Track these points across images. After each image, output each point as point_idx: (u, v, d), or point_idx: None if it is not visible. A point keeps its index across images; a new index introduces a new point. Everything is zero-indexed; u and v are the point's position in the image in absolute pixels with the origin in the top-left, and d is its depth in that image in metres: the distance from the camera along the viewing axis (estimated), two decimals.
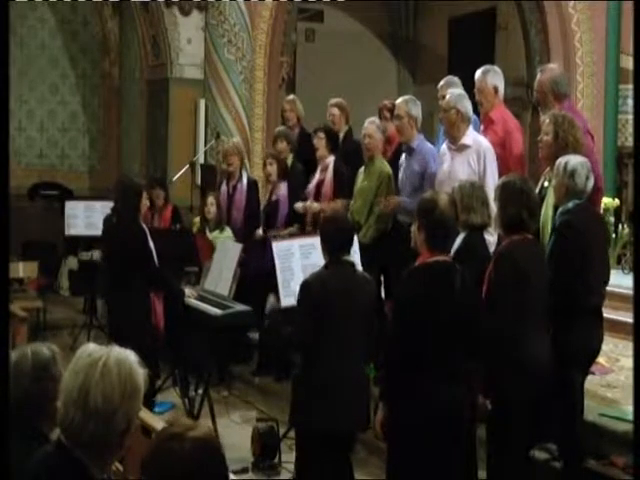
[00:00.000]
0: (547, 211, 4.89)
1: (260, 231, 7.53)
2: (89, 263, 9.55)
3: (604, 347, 4.97)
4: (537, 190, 5.01)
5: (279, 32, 10.14)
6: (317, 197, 7.13)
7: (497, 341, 4.07)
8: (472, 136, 5.74)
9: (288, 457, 5.58)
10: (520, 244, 4.26)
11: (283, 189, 7.45)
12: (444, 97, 6.50)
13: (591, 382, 5.09)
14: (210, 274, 6.31)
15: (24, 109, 12.01)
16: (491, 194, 4.71)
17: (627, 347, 6.17)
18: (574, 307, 4.47)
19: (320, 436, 4.39)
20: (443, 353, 3.85)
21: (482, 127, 6.00)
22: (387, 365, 4.01)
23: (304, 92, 9.82)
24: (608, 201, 8.26)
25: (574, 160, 4.60)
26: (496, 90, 6.01)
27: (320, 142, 7.11)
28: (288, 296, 5.33)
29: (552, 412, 4.55)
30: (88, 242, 9.54)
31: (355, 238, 4.88)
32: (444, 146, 5.92)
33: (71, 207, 8.92)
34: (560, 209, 4.60)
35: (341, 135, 7.55)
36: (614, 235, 8.60)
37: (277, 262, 5.46)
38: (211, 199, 7.60)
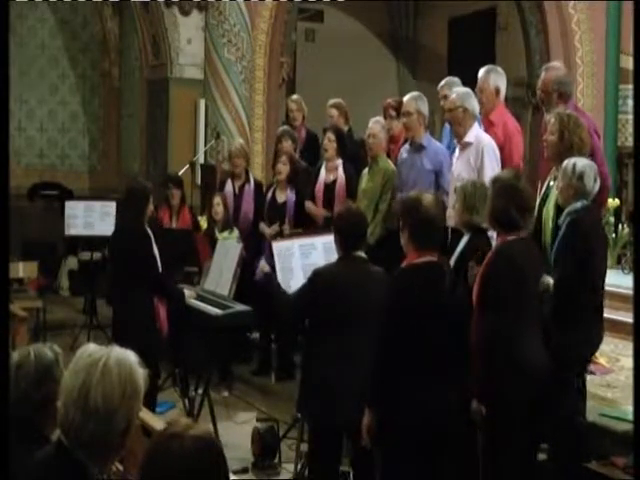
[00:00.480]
0: (549, 210, 4.87)
1: (270, 229, 7.36)
2: (89, 263, 9.57)
3: (604, 347, 4.98)
4: (544, 189, 5.01)
5: (279, 32, 10.14)
6: (326, 198, 7.06)
7: (495, 343, 4.01)
8: (474, 133, 5.68)
9: (288, 457, 5.58)
10: (515, 244, 4.17)
11: (290, 191, 7.35)
12: (445, 97, 6.50)
13: (591, 382, 5.09)
14: (210, 274, 6.31)
15: (24, 109, 12.01)
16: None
17: (627, 347, 6.17)
18: (577, 305, 4.46)
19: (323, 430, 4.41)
20: (432, 357, 3.81)
21: (482, 129, 5.97)
22: (374, 370, 3.93)
23: (304, 92, 9.80)
24: (608, 201, 8.25)
25: (581, 162, 4.58)
26: (498, 91, 5.99)
27: (330, 144, 7.03)
28: None
29: (552, 412, 4.54)
30: (88, 242, 9.55)
31: None
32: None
33: (71, 207, 8.91)
34: (568, 209, 4.55)
35: None
36: (614, 235, 8.60)
37: (277, 262, 5.45)
38: (217, 199, 7.52)
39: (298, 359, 6.41)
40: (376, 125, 6.67)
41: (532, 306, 4.19)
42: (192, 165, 9.17)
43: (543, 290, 4.36)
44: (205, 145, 9.64)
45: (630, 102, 9.98)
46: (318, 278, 4.47)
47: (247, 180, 7.77)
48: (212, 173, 9.29)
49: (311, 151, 7.80)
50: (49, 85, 12.21)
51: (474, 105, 5.71)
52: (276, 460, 5.68)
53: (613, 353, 6.45)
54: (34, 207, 11.44)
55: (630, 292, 6.02)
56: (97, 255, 9.64)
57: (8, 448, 2.55)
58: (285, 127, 7.84)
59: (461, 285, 4.20)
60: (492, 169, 5.50)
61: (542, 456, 4.85)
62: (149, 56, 10.69)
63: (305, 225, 7.19)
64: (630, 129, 10.05)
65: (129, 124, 11.78)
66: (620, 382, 5.83)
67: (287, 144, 7.52)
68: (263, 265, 6.96)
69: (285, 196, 7.35)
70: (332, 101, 7.75)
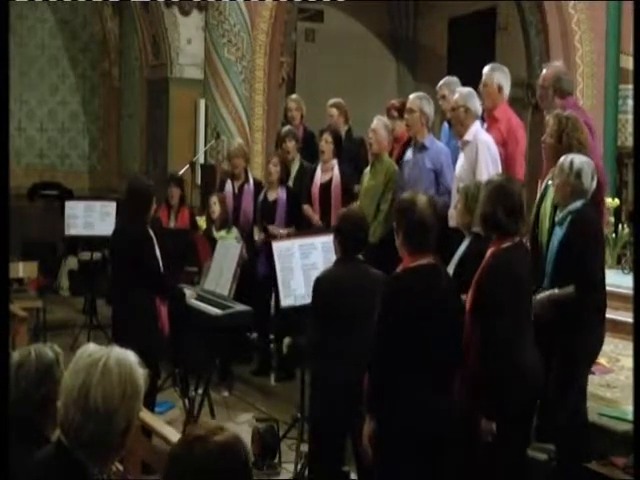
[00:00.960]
0: (546, 208, 4.86)
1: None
2: (89, 263, 9.57)
3: (604, 347, 4.97)
4: (542, 189, 5.00)
5: (279, 32, 10.14)
6: (323, 199, 7.09)
7: (495, 349, 3.95)
8: (473, 132, 5.66)
9: (288, 457, 5.58)
10: (511, 250, 4.09)
11: (281, 191, 7.41)
12: (443, 97, 6.51)
13: (591, 382, 5.08)
14: (210, 274, 6.30)
15: (24, 109, 12.01)
16: None
17: (627, 347, 6.17)
18: (580, 304, 4.45)
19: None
20: (431, 358, 3.78)
21: (486, 125, 5.93)
22: (372, 374, 3.88)
23: (304, 92, 9.80)
24: (608, 201, 8.24)
25: (579, 159, 4.51)
26: (500, 89, 5.98)
27: (327, 145, 7.08)
28: (288, 296, 5.32)
29: (551, 412, 4.54)
30: (88, 242, 9.56)
31: None
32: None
33: (71, 207, 8.91)
34: (569, 208, 4.50)
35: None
36: (614, 235, 8.60)
37: (277, 262, 5.44)
38: (214, 199, 7.56)
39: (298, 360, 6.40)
40: (378, 122, 6.67)
41: (527, 310, 4.17)
42: (192, 165, 9.18)
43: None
44: (205, 145, 9.64)
45: (630, 102, 9.98)
46: (320, 286, 4.47)
47: (246, 180, 7.78)
48: (212, 173, 9.30)
49: (309, 150, 7.80)
50: (49, 85, 12.21)
51: (476, 105, 5.70)
52: (276, 460, 5.68)
53: (613, 353, 6.45)
54: (34, 207, 11.45)
55: (630, 292, 6.02)
56: (97, 255, 9.65)
57: (8, 448, 2.55)
58: (289, 127, 7.85)
59: (458, 287, 4.16)
60: (486, 166, 5.47)
61: (542, 456, 4.85)
62: (149, 56, 10.69)
63: (297, 224, 7.24)
64: (630, 129, 10.05)
65: (129, 124, 11.78)
66: (620, 382, 5.83)
67: (290, 144, 7.55)
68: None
69: (276, 194, 7.41)
70: (332, 101, 7.76)
